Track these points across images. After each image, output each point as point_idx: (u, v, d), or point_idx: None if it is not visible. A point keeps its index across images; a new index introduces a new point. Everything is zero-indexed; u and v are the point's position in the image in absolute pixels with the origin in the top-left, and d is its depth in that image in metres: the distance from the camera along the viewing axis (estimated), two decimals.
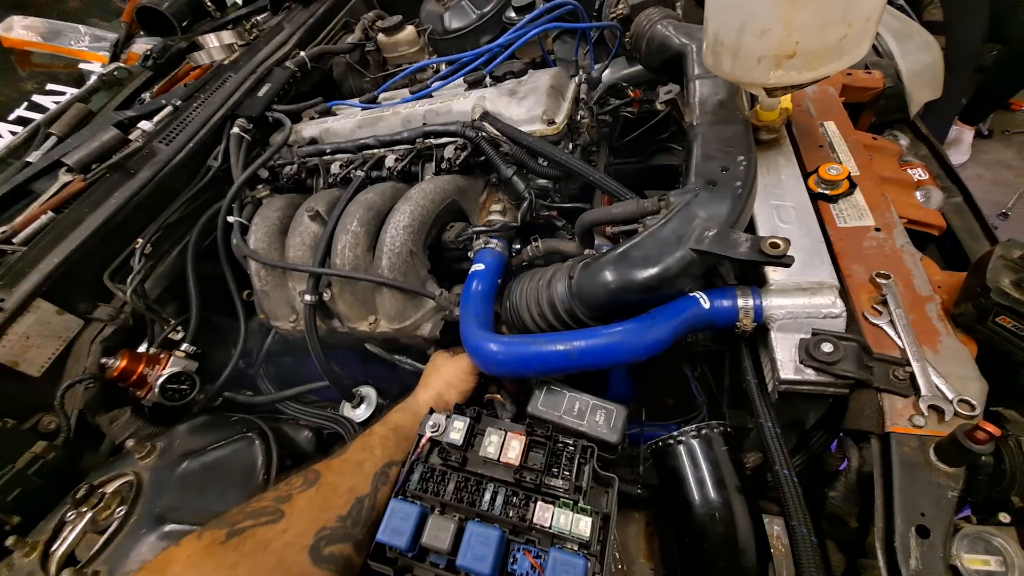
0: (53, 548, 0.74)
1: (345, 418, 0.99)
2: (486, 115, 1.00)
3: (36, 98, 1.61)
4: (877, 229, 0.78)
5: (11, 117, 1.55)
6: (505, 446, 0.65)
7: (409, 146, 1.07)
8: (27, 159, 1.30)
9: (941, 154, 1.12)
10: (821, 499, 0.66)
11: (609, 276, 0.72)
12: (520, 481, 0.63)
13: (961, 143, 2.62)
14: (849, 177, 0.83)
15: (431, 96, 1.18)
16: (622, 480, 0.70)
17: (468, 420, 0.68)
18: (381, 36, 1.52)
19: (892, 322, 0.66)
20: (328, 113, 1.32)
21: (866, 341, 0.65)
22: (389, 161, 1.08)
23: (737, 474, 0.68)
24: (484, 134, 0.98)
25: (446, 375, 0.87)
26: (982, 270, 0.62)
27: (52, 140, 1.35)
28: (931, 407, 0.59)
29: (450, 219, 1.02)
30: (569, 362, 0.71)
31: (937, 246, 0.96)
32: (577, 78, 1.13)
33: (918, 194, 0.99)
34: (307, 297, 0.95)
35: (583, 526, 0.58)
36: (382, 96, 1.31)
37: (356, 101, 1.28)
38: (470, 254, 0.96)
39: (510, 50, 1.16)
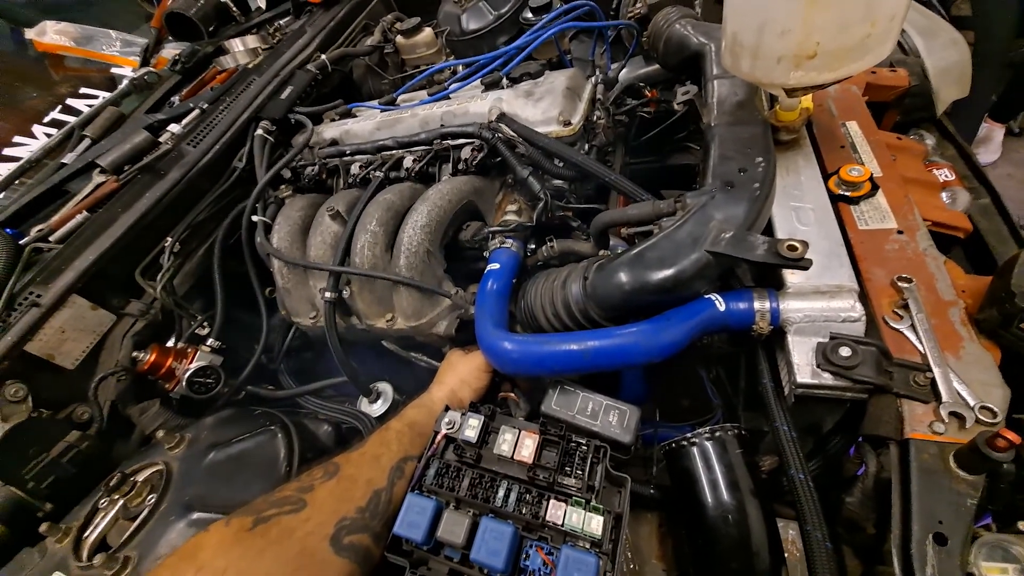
0: (86, 534, 0.78)
1: (363, 413, 1.01)
2: (502, 116, 1.01)
3: (70, 101, 1.67)
4: (899, 232, 0.76)
5: (46, 120, 1.62)
6: (519, 444, 0.66)
7: (427, 147, 1.09)
8: (62, 160, 1.35)
9: (968, 154, 1.09)
10: (837, 504, 0.65)
11: (624, 277, 0.72)
12: (533, 479, 0.63)
13: (991, 141, 2.53)
14: (871, 178, 0.81)
15: (448, 98, 1.19)
16: (635, 481, 0.70)
17: (482, 418, 0.69)
18: (400, 38, 1.54)
19: (913, 327, 0.65)
20: (348, 115, 1.35)
21: (886, 346, 0.65)
22: (407, 162, 1.10)
23: (751, 477, 0.68)
24: (500, 135, 0.98)
25: (460, 372, 0.88)
26: (1008, 274, 0.60)
27: (86, 142, 1.40)
28: (952, 414, 0.58)
29: (466, 219, 1.03)
30: (583, 362, 0.72)
31: (963, 249, 0.94)
32: (594, 78, 1.13)
33: (944, 195, 0.97)
34: (327, 294, 0.97)
35: (595, 525, 0.59)
36: (400, 98, 1.33)
37: (375, 103, 1.30)
38: (486, 254, 0.97)
39: (527, 51, 1.16)
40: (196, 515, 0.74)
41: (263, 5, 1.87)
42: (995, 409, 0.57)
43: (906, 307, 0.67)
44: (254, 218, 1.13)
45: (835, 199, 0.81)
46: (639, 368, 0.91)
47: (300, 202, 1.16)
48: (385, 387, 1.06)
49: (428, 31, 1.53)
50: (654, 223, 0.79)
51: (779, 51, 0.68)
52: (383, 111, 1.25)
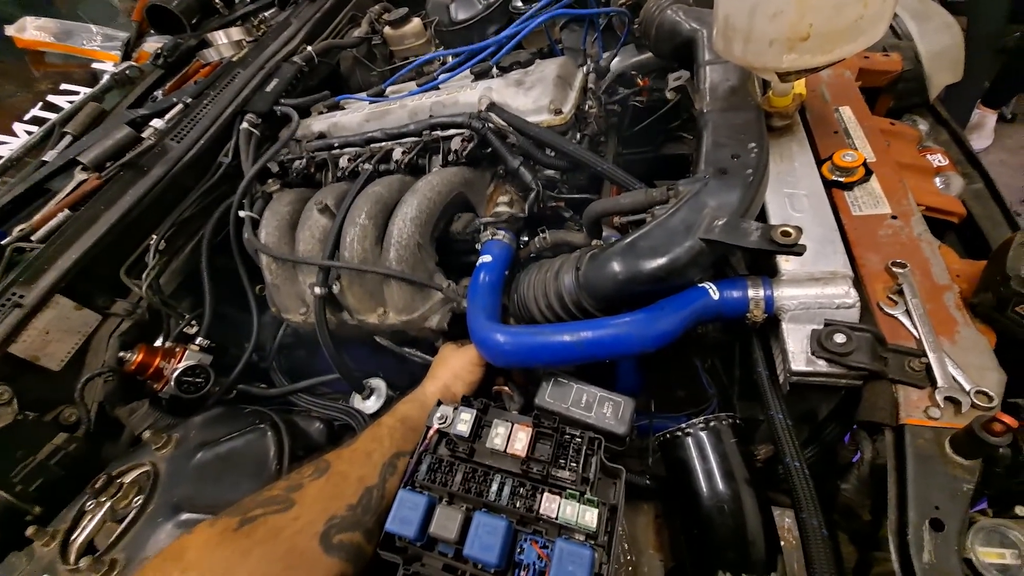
0: (73, 537, 0.76)
1: (355, 410, 1.00)
2: (492, 106, 1.00)
3: (51, 98, 1.64)
4: (894, 217, 0.76)
5: (27, 117, 1.59)
6: (512, 437, 0.65)
7: (416, 139, 1.07)
8: (43, 158, 1.32)
9: (962, 139, 1.09)
10: (833, 491, 0.65)
11: (617, 267, 0.71)
12: (527, 472, 0.63)
13: (984, 127, 2.54)
14: (865, 164, 0.81)
15: (438, 88, 1.17)
16: (631, 472, 0.70)
17: (475, 412, 0.68)
18: (387, 29, 1.51)
19: (908, 312, 0.65)
20: (336, 107, 1.33)
21: (880, 332, 0.64)
22: (396, 154, 1.08)
23: (746, 466, 0.67)
24: (491, 125, 0.97)
25: (453, 366, 0.87)
26: (1002, 258, 0.60)
27: (67, 139, 1.37)
28: (947, 398, 0.58)
29: (457, 211, 1.01)
30: (576, 353, 0.71)
31: (957, 234, 0.94)
32: (585, 67, 1.12)
33: (937, 180, 0.97)
34: (317, 290, 0.96)
35: (589, 517, 0.58)
36: (389, 89, 1.30)
37: (363, 95, 1.28)
38: (478, 246, 0.96)
39: (516, 39, 1.14)
40: (184, 516, 0.73)
41: None
42: (991, 393, 0.56)
43: (901, 292, 0.66)
44: (241, 213, 1.11)
45: (829, 185, 0.81)
46: (633, 358, 0.90)
47: (288, 196, 1.14)
48: (378, 383, 1.05)
49: (416, 21, 1.50)
50: (647, 211, 0.78)
51: (772, 34, 0.67)
52: (371, 103, 1.22)
